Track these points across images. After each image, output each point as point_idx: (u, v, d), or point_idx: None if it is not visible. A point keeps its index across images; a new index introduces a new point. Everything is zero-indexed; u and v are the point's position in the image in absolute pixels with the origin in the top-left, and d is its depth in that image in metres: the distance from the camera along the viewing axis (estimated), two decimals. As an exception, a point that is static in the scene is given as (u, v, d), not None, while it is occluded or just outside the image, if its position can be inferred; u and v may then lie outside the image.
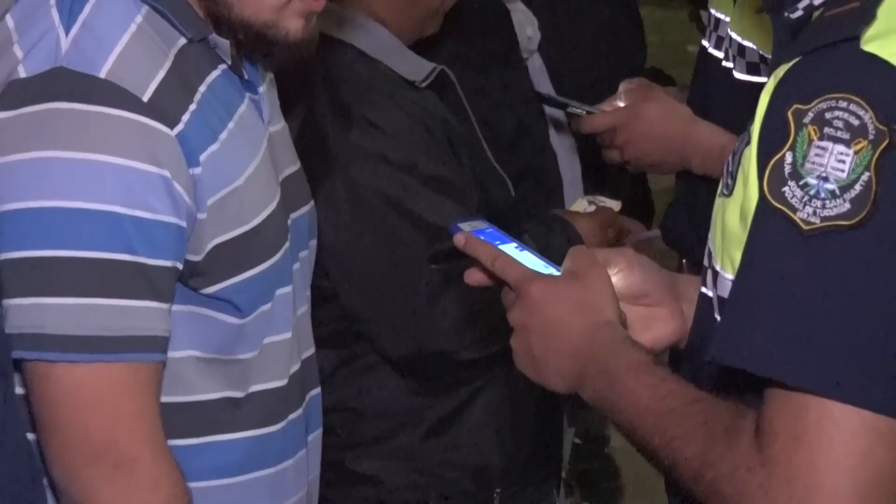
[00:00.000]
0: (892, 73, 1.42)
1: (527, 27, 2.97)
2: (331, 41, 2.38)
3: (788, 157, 1.44)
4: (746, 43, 2.54)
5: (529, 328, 1.73)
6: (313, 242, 2.10)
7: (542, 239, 2.46)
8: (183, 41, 1.83)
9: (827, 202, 1.41)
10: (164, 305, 1.80)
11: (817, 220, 1.40)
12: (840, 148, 1.41)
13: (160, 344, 1.80)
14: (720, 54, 2.61)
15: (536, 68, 2.99)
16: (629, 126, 2.62)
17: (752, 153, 1.49)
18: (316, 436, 2.12)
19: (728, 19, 2.60)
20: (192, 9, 1.85)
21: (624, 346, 1.68)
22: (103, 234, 1.74)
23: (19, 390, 1.81)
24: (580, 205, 2.77)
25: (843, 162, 1.41)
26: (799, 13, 1.60)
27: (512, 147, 2.79)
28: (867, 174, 1.39)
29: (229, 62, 1.89)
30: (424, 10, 2.51)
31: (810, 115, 1.43)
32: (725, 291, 1.54)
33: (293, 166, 2.06)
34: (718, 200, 1.59)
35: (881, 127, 1.40)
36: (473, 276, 1.80)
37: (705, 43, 2.70)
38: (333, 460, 2.40)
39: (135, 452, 1.79)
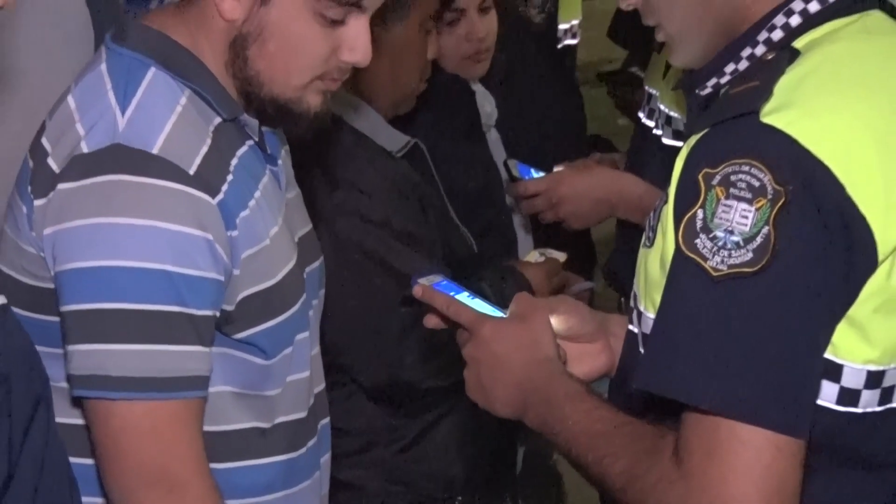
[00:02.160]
0: (787, 141, 1.45)
1: (486, 105, 3.00)
2: None
3: (700, 214, 1.46)
4: (672, 113, 2.61)
5: (480, 362, 1.76)
6: (322, 292, 2.10)
7: (498, 285, 2.49)
8: (219, 119, 1.85)
9: (733, 252, 1.43)
10: (207, 349, 1.81)
11: (725, 268, 1.43)
12: (743, 206, 1.43)
13: (204, 382, 1.82)
14: (652, 123, 2.68)
15: (493, 140, 3.03)
16: (557, 189, 2.66)
17: (669, 210, 1.51)
18: (327, 458, 2.12)
19: (658, 94, 2.67)
20: (226, 91, 1.87)
21: (561, 378, 1.70)
22: (157, 289, 1.75)
23: (61, 419, 1.78)
24: (532, 256, 2.78)
25: (746, 217, 1.43)
26: (708, 90, 1.64)
27: (475, 207, 2.80)
28: (767, 228, 1.42)
29: (256, 139, 1.91)
30: (402, 92, 2.56)
31: (718, 177, 1.45)
32: (648, 329, 1.55)
33: (306, 227, 2.06)
34: (642, 251, 1.61)
35: (778, 187, 1.43)
36: (430, 321, 1.83)
37: (641, 114, 2.74)
38: (319, 472, 2.47)
39: (186, 477, 1.81)
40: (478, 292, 1.86)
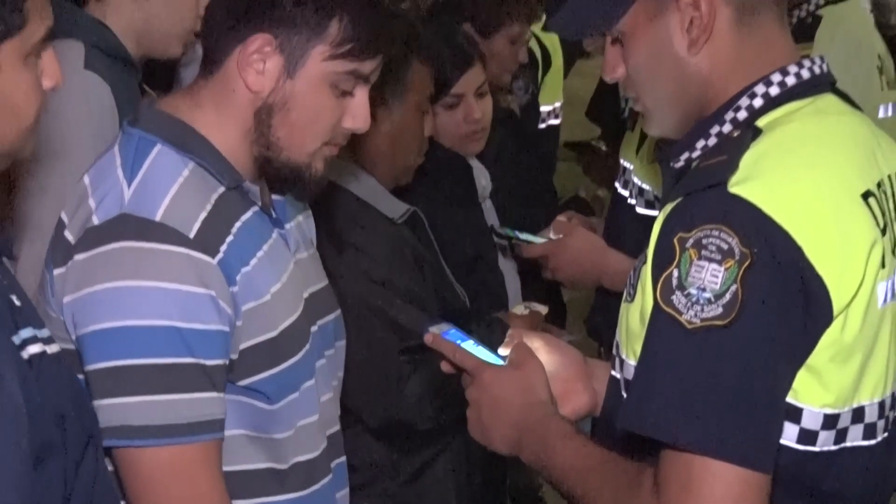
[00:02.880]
0: (752, 209, 1.48)
1: (482, 179, 3.05)
2: (331, 185, 2.41)
3: (675, 273, 1.49)
4: (644, 185, 2.66)
5: (481, 404, 1.78)
6: (340, 343, 2.10)
7: (486, 337, 2.42)
8: (222, 188, 1.85)
9: (705, 307, 1.46)
10: (220, 394, 1.81)
11: (698, 321, 1.46)
12: (714, 266, 1.46)
13: (220, 425, 1.82)
14: (626, 193, 2.73)
15: (488, 209, 3.08)
16: (557, 256, 2.72)
17: (647, 270, 1.54)
18: (342, 493, 2.11)
19: (632, 167, 2.72)
20: (228, 163, 1.87)
21: (554, 419, 1.72)
22: (169, 344, 1.75)
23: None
24: (518, 309, 2.82)
25: (717, 277, 1.46)
26: (681, 164, 1.66)
27: (471, 269, 2.85)
28: (734, 286, 1.45)
29: (259, 204, 1.92)
30: (401, 165, 2.61)
31: (691, 241, 1.48)
32: (630, 375, 1.57)
33: (320, 283, 2.06)
34: (623, 305, 1.64)
35: (744, 250, 1.46)
36: (444, 367, 1.85)
37: (617, 185, 2.80)
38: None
39: None
40: (483, 341, 1.88)
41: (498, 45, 3.58)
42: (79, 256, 1.78)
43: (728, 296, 1.45)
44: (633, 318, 1.59)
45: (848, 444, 1.58)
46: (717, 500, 1.46)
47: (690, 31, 1.61)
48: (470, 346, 1.84)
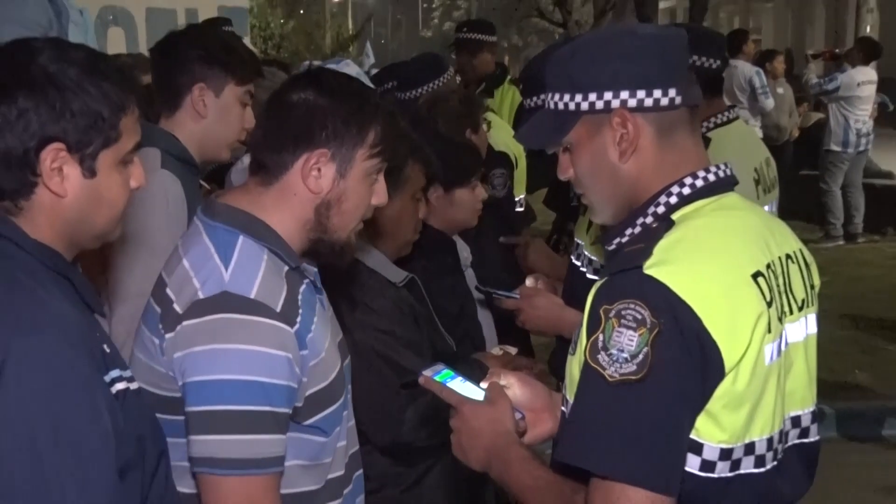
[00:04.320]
0: (662, 287, 1.56)
1: (464, 252, 3.17)
2: None
3: (601, 337, 1.56)
4: (593, 257, 2.80)
5: (461, 432, 1.87)
6: (349, 385, 2.17)
7: (468, 373, 2.24)
8: (287, 268, 1.96)
9: (623, 365, 1.53)
10: (284, 436, 1.90)
11: (617, 375, 1.54)
12: (630, 332, 1.53)
13: (282, 460, 1.91)
14: (579, 263, 2.88)
15: (469, 276, 3.19)
16: (526, 310, 2.82)
17: (583, 332, 1.61)
18: (360, 498, 2.19)
19: (583, 243, 2.87)
20: (290, 248, 1.97)
21: (515, 446, 1.81)
22: (254, 395, 1.85)
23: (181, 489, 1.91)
24: (495, 350, 2.91)
25: (632, 341, 1.53)
26: (613, 247, 1.76)
27: (457, 322, 2.94)
28: (646, 349, 1.53)
29: (312, 279, 2.04)
30: (401, 241, 2.74)
31: (613, 312, 1.55)
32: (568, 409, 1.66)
33: (340, 335, 2.17)
34: (569, 357, 1.72)
35: (654, 320, 1.53)
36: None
37: (572, 257, 2.94)
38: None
39: None
40: (467, 377, 1.96)
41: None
42: (187, 322, 1.87)
43: (641, 356, 1.52)
44: (574, 368, 1.65)
45: (742, 471, 1.64)
46: None
47: (621, 145, 1.71)
48: (457, 383, 1.91)
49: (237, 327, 1.85)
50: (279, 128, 1.98)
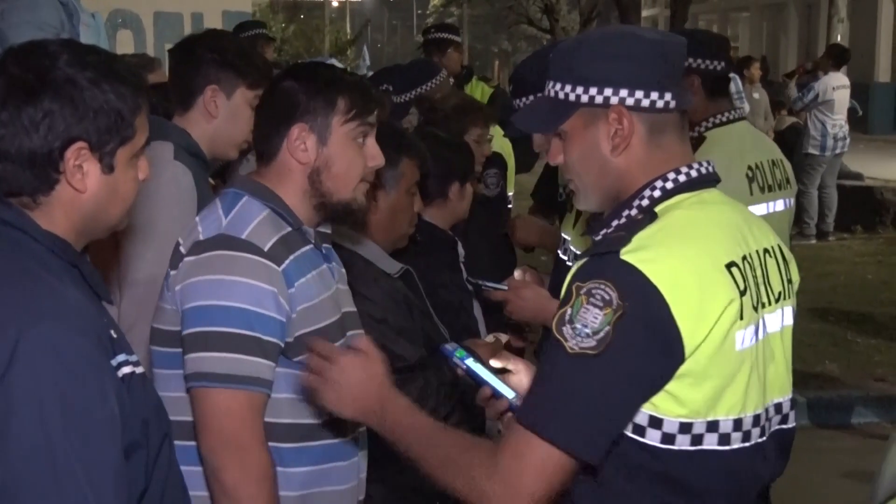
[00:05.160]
0: (636, 271, 1.58)
1: (460, 248, 3.18)
2: (345, 249, 2.56)
3: (568, 311, 1.59)
4: (578, 251, 2.82)
5: (338, 382, 1.85)
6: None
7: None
8: (288, 228, 2.11)
9: (584, 339, 1.56)
10: (269, 362, 2.02)
11: (577, 348, 1.57)
12: (596, 311, 1.56)
13: (267, 384, 2.03)
14: (565, 257, 2.92)
15: (464, 271, 3.16)
16: (514, 302, 2.82)
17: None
18: (364, 452, 2.26)
19: (570, 238, 2.90)
20: (293, 211, 2.12)
21: (401, 395, 1.81)
22: (240, 320, 2.00)
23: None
24: (489, 338, 2.86)
25: (597, 319, 1.56)
26: (600, 237, 1.75)
27: (457, 315, 2.98)
28: (608, 328, 1.56)
29: (313, 242, 2.16)
30: (397, 233, 2.75)
31: (584, 289, 1.59)
32: None
33: (352, 308, 2.28)
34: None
35: (620, 302, 1.56)
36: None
37: (559, 251, 2.98)
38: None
39: (250, 444, 2.02)
40: (482, 363, 1.95)
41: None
42: (188, 259, 2.06)
43: (602, 334, 1.55)
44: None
45: (705, 447, 1.65)
46: (531, 467, 1.58)
47: (614, 139, 1.73)
48: (471, 362, 1.94)
49: (228, 262, 2.02)
50: (266, 116, 2.19)
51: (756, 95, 11.34)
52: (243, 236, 2.05)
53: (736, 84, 10.21)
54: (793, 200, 3.37)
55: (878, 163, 13.15)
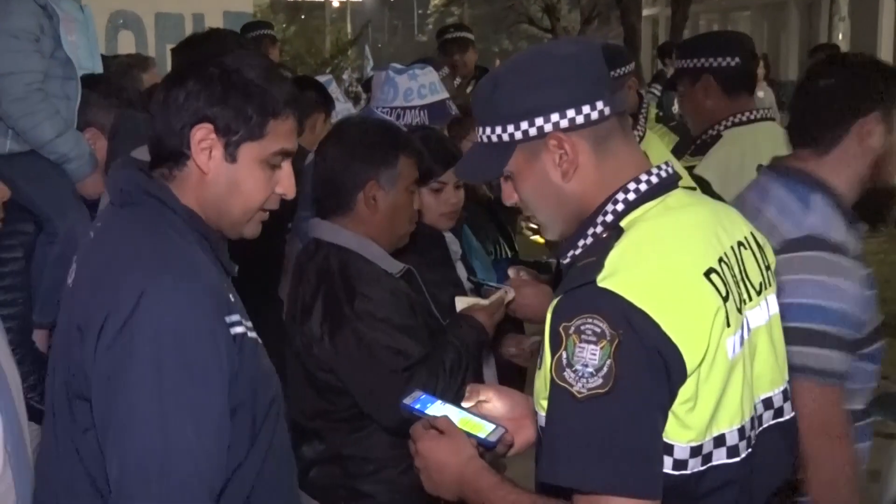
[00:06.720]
0: (617, 298, 1.53)
1: (453, 245, 3.20)
2: (346, 250, 2.62)
3: (564, 355, 1.54)
4: None
5: (426, 469, 1.83)
6: None
7: (457, 331, 2.66)
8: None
9: (589, 380, 1.51)
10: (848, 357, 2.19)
11: (585, 391, 1.51)
12: (592, 347, 1.52)
13: (845, 375, 2.19)
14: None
15: (460, 269, 3.20)
16: (515, 300, 2.84)
17: (546, 351, 1.59)
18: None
19: None
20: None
21: (484, 473, 1.77)
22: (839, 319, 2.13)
23: None
24: (511, 272, 2.90)
25: (595, 355, 1.51)
26: (568, 259, 1.72)
27: (450, 310, 2.87)
28: (609, 361, 1.51)
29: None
30: (398, 233, 2.73)
31: (572, 328, 1.53)
32: (542, 422, 1.62)
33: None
34: (536, 371, 1.67)
35: (613, 332, 1.51)
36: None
37: (552, 261, 3.07)
38: (349, 485, 2.64)
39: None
40: (453, 403, 1.93)
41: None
42: None
43: (605, 369, 1.50)
44: (540, 382, 1.64)
45: (714, 463, 1.63)
46: None
47: (562, 165, 1.68)
48: (437, 406, 1.90)
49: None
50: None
51: (760, 94, 11.30)
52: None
53: (768, 96, 10.10)
54: None
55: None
